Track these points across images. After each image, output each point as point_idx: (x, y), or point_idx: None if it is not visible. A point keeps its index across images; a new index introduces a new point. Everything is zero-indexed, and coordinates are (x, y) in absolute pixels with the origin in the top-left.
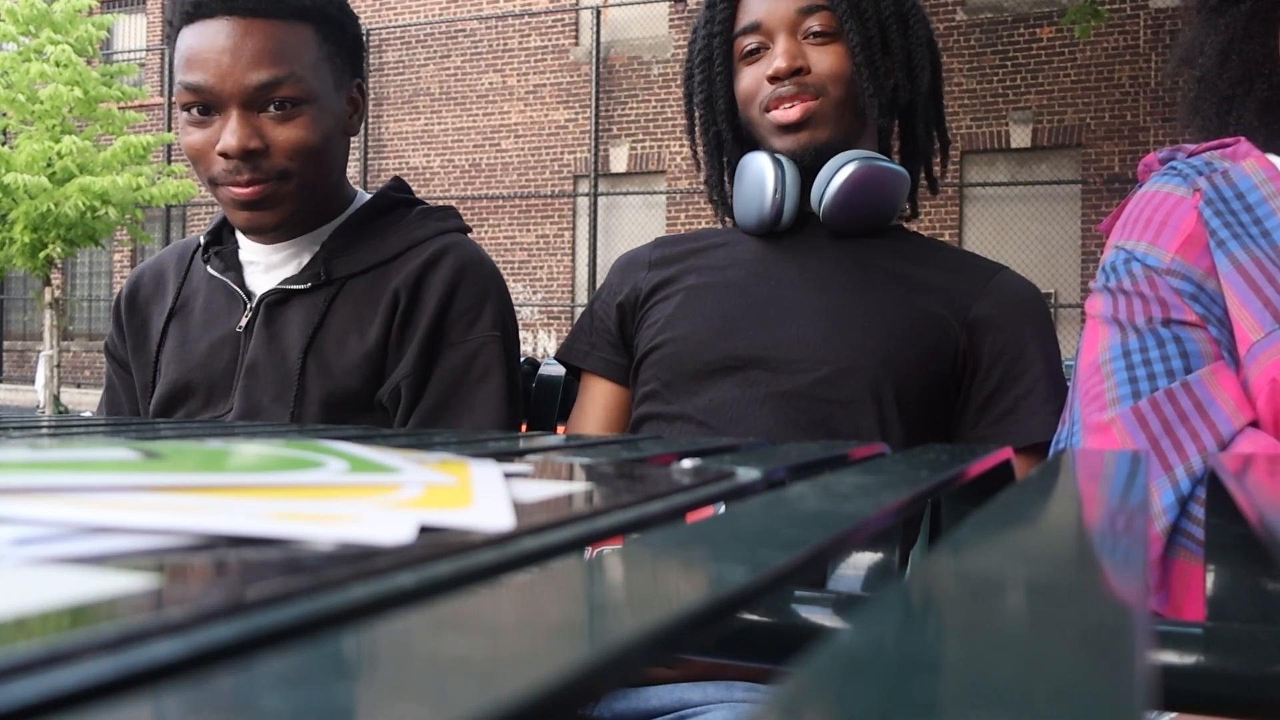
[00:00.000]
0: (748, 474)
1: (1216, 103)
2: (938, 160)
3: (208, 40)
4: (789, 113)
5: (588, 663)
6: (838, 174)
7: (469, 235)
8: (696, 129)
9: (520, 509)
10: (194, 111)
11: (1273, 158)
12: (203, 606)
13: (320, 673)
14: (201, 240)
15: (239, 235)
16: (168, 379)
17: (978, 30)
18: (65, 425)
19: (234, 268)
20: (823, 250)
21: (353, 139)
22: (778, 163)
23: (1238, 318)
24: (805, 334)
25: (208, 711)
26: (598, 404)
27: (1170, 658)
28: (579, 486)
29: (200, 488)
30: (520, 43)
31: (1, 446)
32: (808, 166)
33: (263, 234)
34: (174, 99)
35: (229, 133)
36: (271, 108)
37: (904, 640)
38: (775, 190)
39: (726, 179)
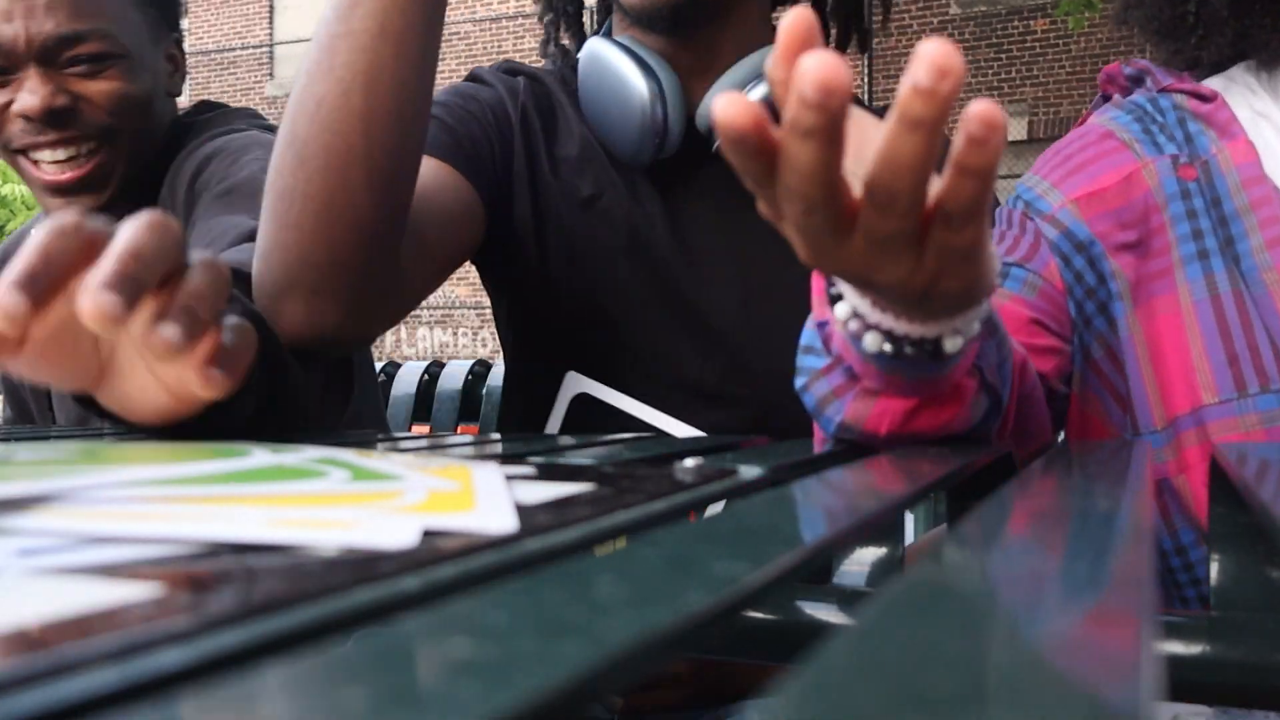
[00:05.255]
0: (750, 471)
1: None
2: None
3: None
4: None
5: (594, 663)
6: (750, 92)
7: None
8: None
9: (523, 511)
10: None
11: (1257, 133)
12: (207, 614)
13: (326, 678)
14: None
15: None
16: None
17: (972, 24)
18: (70, 435)
19: None
20: (721, 185)
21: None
22: (646, 69)
23: (1194, 359)
24: (725, 303)
25: (215, 719)
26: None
27: (1175, 648)
28: (581, 487)
29: (203, 497)
30: (514, 44)
31: (7, 455)
32: (685, 65)
33: None
34: None
35: (27, 91)
36: (79, 65)
37: (909, 635)
38: (655, 109)
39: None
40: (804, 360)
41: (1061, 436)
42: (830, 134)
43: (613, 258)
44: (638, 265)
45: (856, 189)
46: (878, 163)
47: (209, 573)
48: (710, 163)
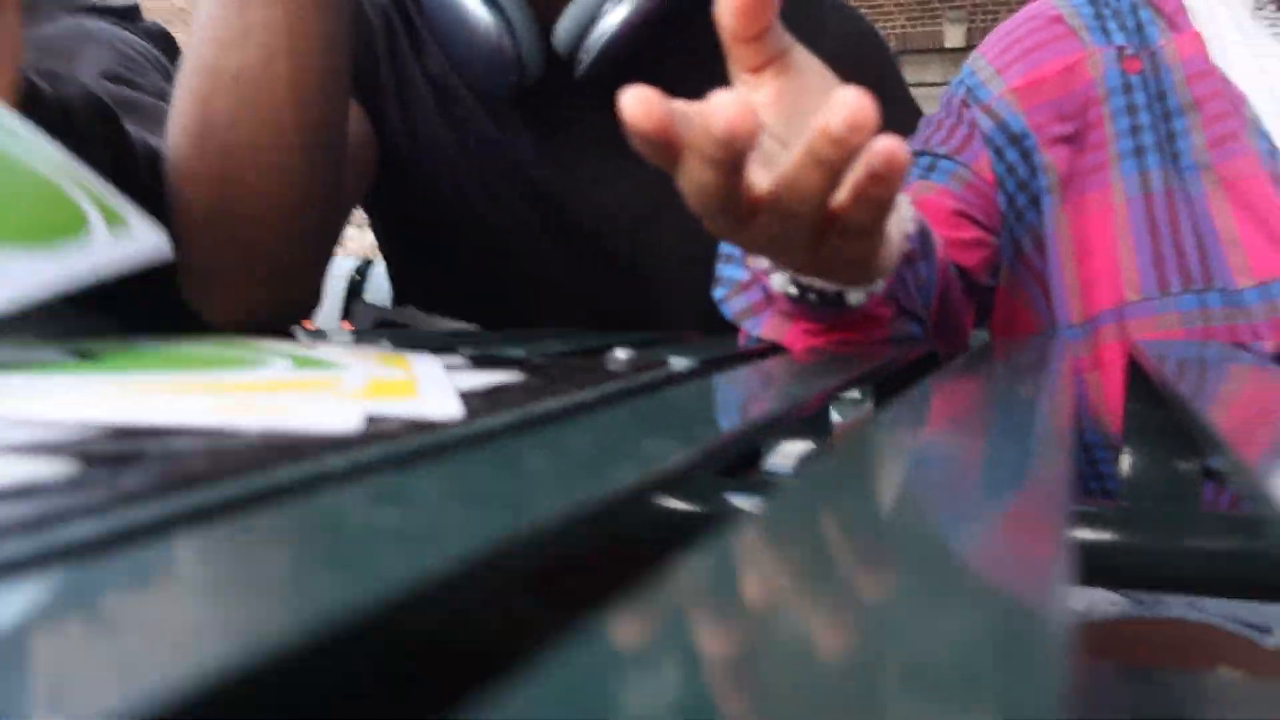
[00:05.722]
0: (680, 362)
1: None
2: None
3: None
4: None
5: (518, 532)
6: (607, 15)
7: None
8: None
9: (464, 398)
10: None
11: (1211, 18)
12: (123, 488)
13: (246, 547)
14: None
15: None
16: None
17: None
18: None
19: None
20: (599, 109)
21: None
22: None
23: (1121, 256)
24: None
25: (127, 584)
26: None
27: (1086, 535)
28: (515, 376)
29: (136, 386)
30: None
31: None
32: None
33: None
34: None
35: None
36: None
37: (823, 516)
38: (503, 41)
39: None
40: (724, 270)
41: (986, 330)
42: (731, 167)
43: (492, 187)
44: (519, 196)
45: (764, 180)
46: (780, 181)
47: (128, 451)
48: (580, 89)
